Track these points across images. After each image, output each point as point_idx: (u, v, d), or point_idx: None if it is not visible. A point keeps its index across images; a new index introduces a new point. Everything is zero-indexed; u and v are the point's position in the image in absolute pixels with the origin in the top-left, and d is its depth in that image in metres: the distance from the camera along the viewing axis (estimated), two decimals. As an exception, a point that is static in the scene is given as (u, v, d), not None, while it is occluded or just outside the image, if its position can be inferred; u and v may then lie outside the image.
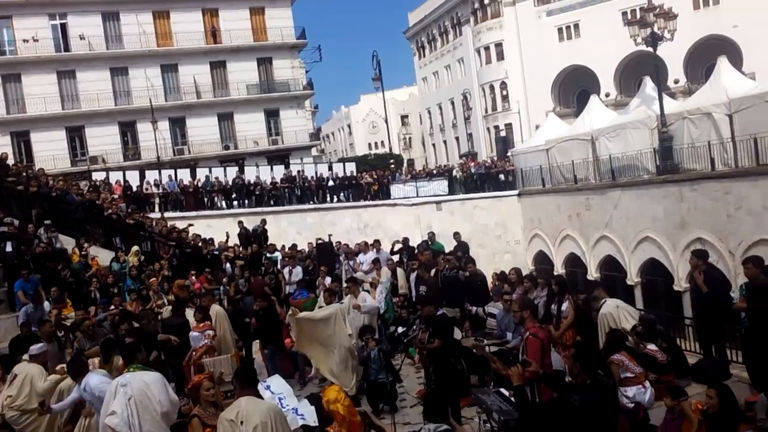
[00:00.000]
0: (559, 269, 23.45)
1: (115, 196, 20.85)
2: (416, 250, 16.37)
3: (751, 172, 16.25)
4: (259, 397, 5.52)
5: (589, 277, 21.72)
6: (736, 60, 31.21)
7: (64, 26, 34.89)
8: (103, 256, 15.45)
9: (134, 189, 23.83)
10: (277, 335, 10.33)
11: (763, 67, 31.26)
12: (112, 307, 11.63)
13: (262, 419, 4.89)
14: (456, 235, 17.03)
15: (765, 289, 7.17)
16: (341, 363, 8.95)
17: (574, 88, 45.75)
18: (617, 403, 4.76)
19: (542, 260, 24.98)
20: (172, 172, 27.20)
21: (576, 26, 44.15)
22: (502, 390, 7.07)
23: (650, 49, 20.41)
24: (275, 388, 7.84)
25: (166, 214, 21.66)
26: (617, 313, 8.35)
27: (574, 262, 23.38)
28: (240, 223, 20.02)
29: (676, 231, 18.36)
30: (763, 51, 34.38)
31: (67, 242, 15.26)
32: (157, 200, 24.11)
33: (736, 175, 16.65)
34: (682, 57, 38.19)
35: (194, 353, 8.98)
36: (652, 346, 7.42)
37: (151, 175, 26.03)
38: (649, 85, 21.51)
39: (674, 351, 7.95)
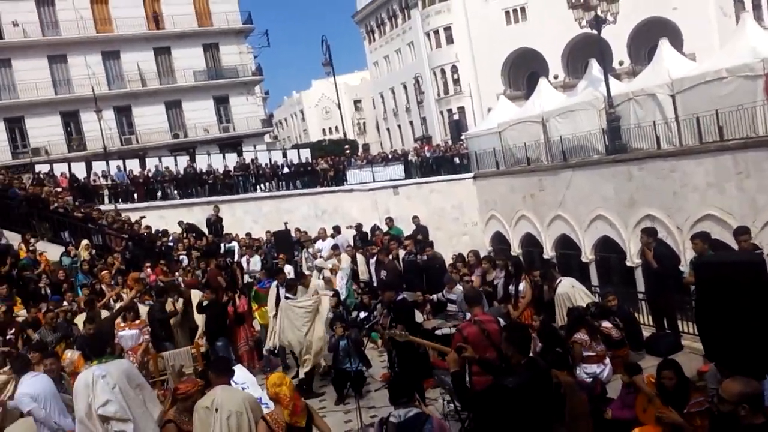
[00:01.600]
0: (515, 249, 23.88)
1: (59, 190, 20.10)
2: (369, 236, 16.44)
3: (694, 150, 16.82)
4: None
5: (545, 256, 22.22)
6: (677, 41, 32.20)
7: (-5, 13, 33.27)
8: (51, 252, 14.92)
9: (81, 181, 23.03)
10: (225, 327, 10.20)
11: (703, 48, 32.39)
12: (65, 303, 11.30)
13: (237, 408, 4.92)
14: (415, 218, 17.13)
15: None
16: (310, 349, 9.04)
17: (523, 71, 46.38)
18: (551, 381, 4.86)
19: (499, 241, 25.38)
20: (120, 162, 26.36)
21: (522, 9, 44.63)
22: (465, 371, 7.21)
23: (595, 31, 20.83)
24: (238, 377, 7.78)
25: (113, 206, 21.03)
26: (573, 293, 8.58)
27: (529, 241, 23.85)
28: (180, 223, 19.10)
29: (626, 209, 18.91)
30: (701, 32, 35.61)
31: (12, 238, 14.67)
32: (106, 192, 23.35)
33: (681, 153, 17.22)
34: (625, 39, 39.14)
35: (130, 353, 8.64)
36: (606, 324, 7.66)
37: (99, 166, 25.16)
38: (595, 67, 21.99)
39: (630, 325, 8.22)
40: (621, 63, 39.65)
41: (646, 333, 9.02)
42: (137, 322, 9.18)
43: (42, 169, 24.41)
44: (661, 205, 17.69)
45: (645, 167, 18.23)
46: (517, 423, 4.37)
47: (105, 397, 5.69)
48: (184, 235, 17.80)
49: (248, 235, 18.03)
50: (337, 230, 15.89)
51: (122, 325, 9.00)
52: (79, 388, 5.79)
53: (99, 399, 5.68)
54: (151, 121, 36.33)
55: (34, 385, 6.18)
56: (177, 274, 13.58)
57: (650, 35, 34.84)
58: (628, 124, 19.29)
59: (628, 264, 18.99)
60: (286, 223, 19.47)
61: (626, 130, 19.34)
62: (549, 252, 22.47)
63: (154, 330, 9.66)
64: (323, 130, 71.96)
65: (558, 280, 8.93)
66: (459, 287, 10.17)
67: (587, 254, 20.83)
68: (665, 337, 8.58)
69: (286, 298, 9.48)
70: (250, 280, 13.98)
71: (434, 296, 11.08)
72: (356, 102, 72.53)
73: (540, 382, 4.55)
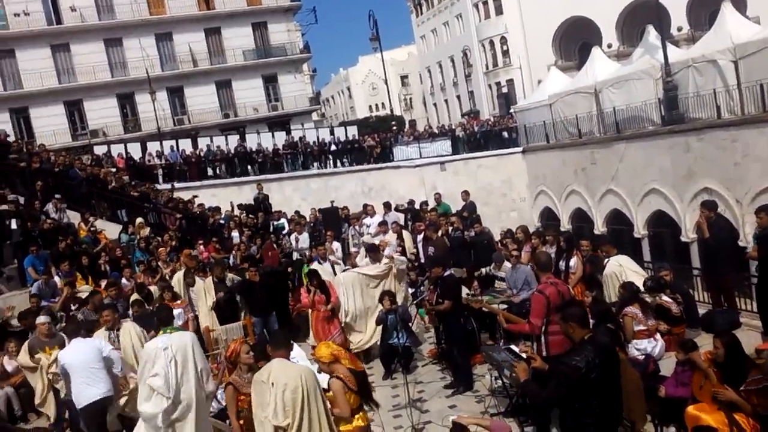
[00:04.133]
0: (565, 225, 23.43)
1: (113, 170, 20.73)
2: (420, 211, 16.36)
3: (758, 119, 16.00)
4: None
5: (596, 232, 21.71)
6: (740, 4, 30.54)
7: (54, -2, 34.36)
8: (109, 230, 15.50)
9: (137, 161, 23.74)
10: (277, 303, 10.40)
11: (768, 11, 30.60)
12: (123, 279, 11.73)
13: (292, 382, 4.95)
14: (464, 194, 16.93)
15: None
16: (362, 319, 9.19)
17: (575, 41, 45.01)
18: (617, 356, 4.74)
19: (548, 216, 24.95)
20: (173, 142, 27.06)
21: (576, -24, 43.16)
22: (513, 347, 7.16)
23: (653, -4, 19.96)
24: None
25: (169, 186, 21.60)
26: (620, 271, 8.39)
27: (580, 217, 23.35)
28: (239, 206, 19.39)
29: (682, 182, 18.23)
30: (768, -7, 33.59)
31: (73, 217, 15.30)
32: (160, 171, 24.02)
33: (743, 122, 16.43)
34: (684, 3, 37.47)
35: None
36: (665, 298, 7.45)
37: (153, 147, 25.89)
38: (652, 34, 21.08)
39: (686, 302, 7.98)
40: (679, 29, 37.93)
41: (702, 310, 8.74)
42: (179, 302, 9.38)
43: (100, 150, 25.27)
44: (720, 177, 16.96)
45: (704, 138, 17.48)
46: (591, 402, 4.26)
47: (156, 370, 5.89)
48: (234, 213, 18.18)
49: (296, 213, 18.21)
50: (387, 207, 15.86)
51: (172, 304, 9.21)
52: (144, 358, 6.07)
53: (153, 369, 5.90)
54: (202, 101, 37.04)
55: (68, 354, 6.74)
56: (233, 252, 13.89)
57: (711, -1, 33.15)
58: (686, 92, 18.49)
59: (683, 239, 18.38)
60: (332, 202, 19.67)
61: (684, 99, 18.54)
62: (600, 228, 21.95)
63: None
64: (370, 106, 71.90)
65: (606, 260, 8.74)
66: (507, 264, 10.08)
67: (640, 229, 20.25)
68: (723, 314, 8.29)
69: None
70: (299, 257, 14.19)
71: (483, 270, 10.99)
72: (403, 77, 72.05)
73: (607, 357, 4.43)
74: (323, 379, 6.43)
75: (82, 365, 6.61)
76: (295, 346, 8.08)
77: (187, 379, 5.97)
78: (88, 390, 6.59)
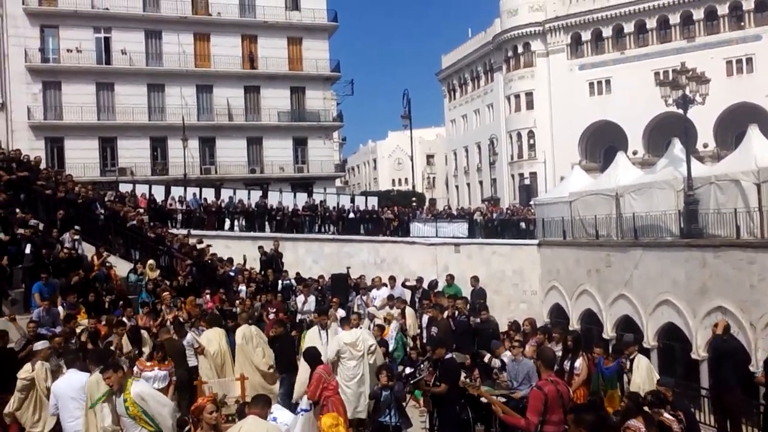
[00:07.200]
0: (574, 324, 23.06)
1: (141, 210, 21.01)
2: (429, 290, 16.25)
3: (777, 243, 15.99)
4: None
5: (605, 336, 21.31)
6: (767, 129, 31.02)
7: (107, 40, 35.95)
8: (120, 267, 15.57)
9: (159, 203, 24.06)
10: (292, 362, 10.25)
11: (795, 139, 30.98)
12: (124, 318, 11.66)
13: None
14: (473, 279, 16.85)
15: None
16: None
17: (601, 143, 45.84)
18: None
19: (558, 313, 24.61)
20: (197, 190, 27.44)
21: (608, 82, 44.53)
22: (507, 443, 6.94)
23: (681, 111, 20.39)
24: (282, 418, 7.75)
25: (185, 231, 21.77)
26: (650, 367, 8.49)
27: (590, 318, 23.00)
28: (260, 248, 20.02)
29: (696, 297, 18.02)
30: (796, 123, 34.15)
31: (87, 249, 15.42)
32: (179, 216, 24.28)
33: (762, 246, 16.36)
34: (712, 122, 38.22)
35: None
36: (666, 415, 7.23)
37: (177, 191, 26.27)
38: (677, 147, 21.45)
39: (689, 420, 7.73)
40: (705, 145, 38.54)
41: (706, 432, 8.46)
42: (166, 362, 8.69)
43: (125, 188, 25.67)
44: (735, 297, 16.75)
45: (721, 255, 17.39)
46: None
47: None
48: (249, 266, 18.25)
49: (319, 278, 18.15)
50: (392, 280, 15.83)
51: (148, 364, 8.55)
52: (155, 398, 6.36)
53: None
54: (231, 154, 37.90)
55: (60, 384, 6.92)
56: (236, 303, 13.84)
57: (739, 120, 33.83)
58: (706, 208, 18.59)
59: (693, 356, 17.95)
60: (348, 268, 19.66)
61: (704, 214, 18.61)
62: (609, 332, 21.53)
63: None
64: (393, 180, 73.08)
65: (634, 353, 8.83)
66: (507, 353, 9.88)
67: (649, 340, 19.84)
68: (727, 440, 8.01)
69: None
70: (303, 317, 14.09)
71: (489, 357, 10.67)
72: (429, 157, 73.45)
73: None
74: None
75: (68, 398, 6.70)
76: (287, 412, 7.88)
77: None
78: (69, 424, 6.71)
